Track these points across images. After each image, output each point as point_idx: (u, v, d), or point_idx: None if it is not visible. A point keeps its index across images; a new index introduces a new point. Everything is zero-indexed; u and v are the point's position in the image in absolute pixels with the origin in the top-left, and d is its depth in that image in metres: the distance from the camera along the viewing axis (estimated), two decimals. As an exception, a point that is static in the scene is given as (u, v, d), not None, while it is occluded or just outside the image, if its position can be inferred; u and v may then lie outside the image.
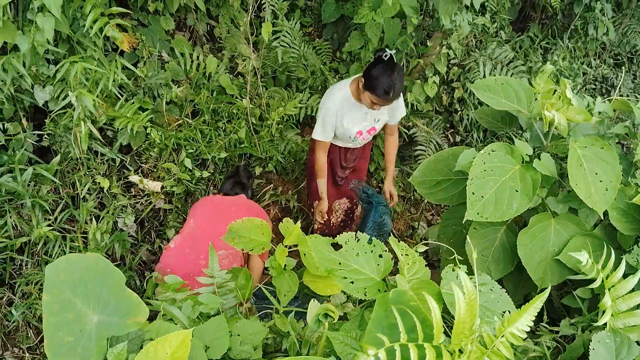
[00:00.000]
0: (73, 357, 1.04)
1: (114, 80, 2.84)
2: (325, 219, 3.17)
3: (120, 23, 2.62)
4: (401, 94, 2.82)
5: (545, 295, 1.06)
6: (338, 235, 1.45)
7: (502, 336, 0.98)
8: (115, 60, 2.78)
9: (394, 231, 3.88)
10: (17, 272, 2.79)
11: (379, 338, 0.87)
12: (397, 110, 2.90)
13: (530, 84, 2.19)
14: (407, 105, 3.91)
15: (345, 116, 2.74)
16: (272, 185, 3.69)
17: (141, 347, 1.23)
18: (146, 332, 1.26)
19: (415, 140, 4.01)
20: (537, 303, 1.03)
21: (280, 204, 3.69)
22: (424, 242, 1.53)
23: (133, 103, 2.96)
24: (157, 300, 1.53)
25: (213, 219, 2.54)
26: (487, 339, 0.96)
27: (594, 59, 5.31)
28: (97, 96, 2.66)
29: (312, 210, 3.31)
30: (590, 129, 2.22)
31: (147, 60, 3.23)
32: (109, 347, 1.09)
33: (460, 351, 0.90)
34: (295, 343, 1.63)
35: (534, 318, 1.01)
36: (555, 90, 2.10)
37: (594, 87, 5.34)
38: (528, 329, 1.00)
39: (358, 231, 1.53)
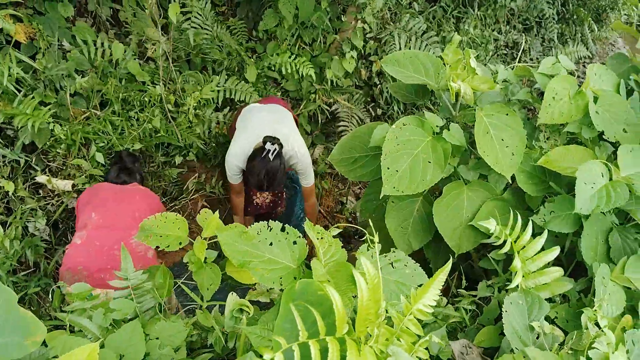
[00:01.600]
0: (-38, 389, 0.96)
1: (9, 75, 2.63)
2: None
3: (13, 13, 2.41)
4: (306, 163, 2.86)
5: (446, 269, 1.08)
6: (250, 226, 1.41)
7: (410, 314, 0.99)
8: (9, 54, 2.57)
9: (321, 210, 3.90)
10: None
11: (284, 334, 0.85)
12: (304, 175, 2.94)
13: (441, 56, 2.23)
14: (326, 82, 3.89)
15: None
16: (195, 174, 3.58)
17: (46, 366, 1.16)
18: (50, 350, 1.19)
19: (337, 117, 4.02)
20: (441, 276, 1.05)
21: (205, 191, 3.60)
22: (340, 225, 1.52)
23: (33, 98, 2.76)
24: (64, 312, 1.44)
25: (116, 208, 2.47)
26: (395, 320, 0.98)
27: (504, 26, 5.51)
28: (-9, 93, 2.45)
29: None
30: (496, 96, 2.30)
31: (46, 51, 3.00)
32: (5, 372, 1.01)
33: (368, 336, 0.90)
34: (220, 337, 1.60)
35: (439, 292, 1.04)
36: (462, 61, 2.15)
37: (505, 53, 5.56)
38: (434, 303, 1.03)
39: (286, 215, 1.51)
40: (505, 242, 1.76)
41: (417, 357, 1.03)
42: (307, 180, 2.94)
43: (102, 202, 2.51)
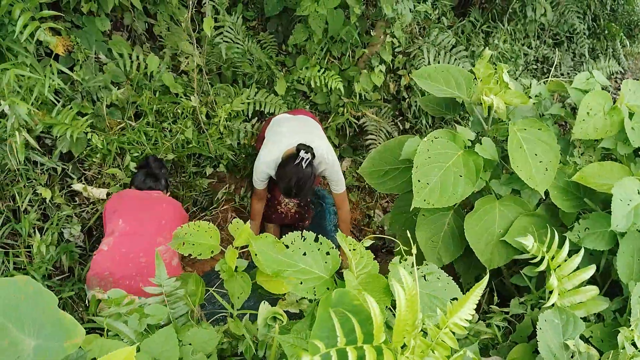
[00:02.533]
0: (7, 387, 0.99)
1: (49, 86, 2.72)
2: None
3: (52, 26, 2.50)
4: (336, 172, 2.87)
5: (483, 283, 1.08)
6: (284, 236, 1.43)
7: (446, 327, 0.99)
8: (50, 65, 2.66)
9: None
10: (-42, 294, 2.64)
11: (322, 341, 0.86)
12: (336, 183, 2.94)
13: (472, 70, 2.24)
14: (355, 96, 3.92)
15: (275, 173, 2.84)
16: (225, 185, 3.63)
17: (84, 368, 1.18)
18: (88, 352, 1.22)
19: (365, 130, 4.04)
20: (477, 291, 1.05)
21: (235, 202, 3.64)
22: (371, 236, 1.53)
23: (71, 108, 2.84)
24: (100, 316, 1.48)
25: (143, 216, 2.52)
26: (431, 332, 0.98)
27: (534, 40, 5.47)
28: (32, 104, 2.54)
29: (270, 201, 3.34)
30: (528, 111, 2.28)
31: (84, 63, 3.10)
32: (46, 372, 1.04)
33: (404, 346, 0.90)
34: (250, 346, 1.61)
35: (475, 306, 1.03)
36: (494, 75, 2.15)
37: (535, 67, 5.51)
38: (470, 318, 1.02)
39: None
40: (541, 259, 1.73)
41: (451, 370, 1.02)
42: (339, 186, 2.94)
43: (129, 209, 2.56)
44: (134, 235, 2.46)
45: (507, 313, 1.87)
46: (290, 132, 2.83)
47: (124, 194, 2.71)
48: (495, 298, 1.98)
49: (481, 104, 2.12)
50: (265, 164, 2.80)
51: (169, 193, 2.96)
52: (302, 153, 2.61)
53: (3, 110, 2.50)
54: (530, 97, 2.26)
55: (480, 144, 2.04)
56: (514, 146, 2.02)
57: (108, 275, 2.33)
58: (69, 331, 1.09)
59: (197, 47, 3.39)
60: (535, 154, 2.02)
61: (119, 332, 1.36)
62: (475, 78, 2.19)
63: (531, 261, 1.76)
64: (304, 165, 2.58)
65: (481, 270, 2.25)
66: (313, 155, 2.66)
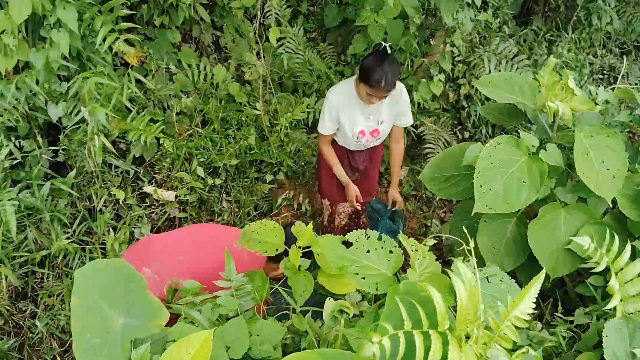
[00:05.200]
0: (100, 357, 1.09)
1: (125, 94, 2.91)
2: (361, 201, 3.12)
3: (128, 38, 2.69)
4: (408, 102, 2.86)
5: (541, 276, 1.08)
6: (348, 234, 1.48)
7: (507, 320, 1.01)
8: (128, 74, 2.85)
9: (405, 232, 3.90)
10: (39, 285, 2.86)
11: (385, 328, 0.90)
12: (401, 114, 2.93)
13: (536, 78, 2.22)
14: (413, 104, 3.93)
15: (345, 112, 2.78)
16: (285, 191, 3.73)
17: (164, 349, 1.27)
18: (169, 334, 1.31)
19: (423, 139, 4.04)
20: (536, 285, 1.06)
21: (293, 208, 3.73)
22: (433, 235, 1.56)
23: (144, 115, 3.03)
24: (177, 304, 1.58)
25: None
26: (493, 324, 1.00)
27: (600, 49, 5.30)
28: (110, 110, 2.73)
29: (323, 208, 3.35)
30: (595, 118, 2.24)
31: (156, 72, 3.30)
32: (132, 348, 1.13)
33: (467, 337, 0.93)
34: (313, 342, 1.67)
35: (534, 300, 1.04)
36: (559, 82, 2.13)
37: (601, 77, 5.32)
38: (531, 311, 1.03)
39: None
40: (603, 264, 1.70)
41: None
42: (408, 117, 2.93)
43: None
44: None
45: (571, 322, 1.84)
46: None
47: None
48: (560, 308, 1.95)
49: (545, 111, 2.10)
50: (337, 94, 2.75)
51: None
52: (378, 47, 2.60)
53: (83, 116, 2.71)
54: (597, 104, 2.22)
55: (545, 150, 2.02)
56: (580, 153, 1.98)
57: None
58: (155, 313, 1.19)
59: (260, 57, 3.53)
60: (602, 161, 1.98)
61: (194, 319, 1.45)
62: (540, 85, 2.17)
63: (596, 270, 1.73)
64: (388, 51, 2.56)
65: (544, 279, 2.21)
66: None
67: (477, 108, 4.17)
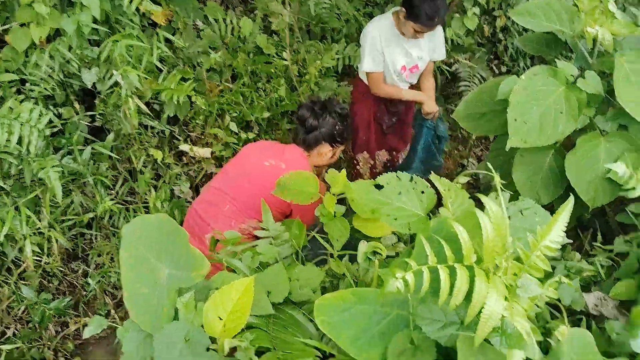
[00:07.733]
0: (149, 307, 1.17)
1: (155, 54, 2.94)
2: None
3: (154, -2, 2.68)
4: (442, 34, 2.80)
5: (570, 204, 1.07)
6: (378, 177, 1.49)
7: (537, 250, 1.01)
8: (157, 34, 2.86)
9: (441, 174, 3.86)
10: (89, 246, 3.02)
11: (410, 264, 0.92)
12: (438, 47, 2.90)
13: (575, 3, 2.10)
14: (446, 41, 3.80)
15: (389, 46, 2.76)
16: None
17: (207, 297, 1.35)
18: (212, 283, 1.38)
19: (458, 77, 3.93)
20: (565, 212, 1.05)
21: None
22: (466, 172, 1.55)
23: (175, 74, 3.06)
24: (218, 254, 1.65)
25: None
26: (523, 255, 1.00)
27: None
28: (141, 72, 2.76)
29: (354, 163, 3.37)
30: (637, 42, 2.12)
31: (183, 30, 3.30)
32: (178, 296, 1.21)
33: (497, 269, 0.94)
34: (352, 284, 1.72)
35: (565, 228, 1.03)
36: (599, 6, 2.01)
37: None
38: (561, 239, 1.03)
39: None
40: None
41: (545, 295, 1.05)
42: (443, 49, 2.91)
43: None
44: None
45: (611, 251, 1.81)
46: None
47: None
48: (599, 238, 1.92)
49: (584, 37, 2.00)
50: (378, 27, 2.71)
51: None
52: None
53: (116, 79, 2.76)
54: (639, 27, 2.09)
55: (584, 78, 1.94)
56: (620, 79, 1.89)
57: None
58: (197, 263, 1.25)
59: (286, 5, 3.47)
60: (645, 86, 1.89)
61: (236, 267, 1.51)
62: (579, 10, 2.06)
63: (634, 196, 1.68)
64: None
65: (583, 210, 2.16)
66: None
67: (514, 40, 4.00)
